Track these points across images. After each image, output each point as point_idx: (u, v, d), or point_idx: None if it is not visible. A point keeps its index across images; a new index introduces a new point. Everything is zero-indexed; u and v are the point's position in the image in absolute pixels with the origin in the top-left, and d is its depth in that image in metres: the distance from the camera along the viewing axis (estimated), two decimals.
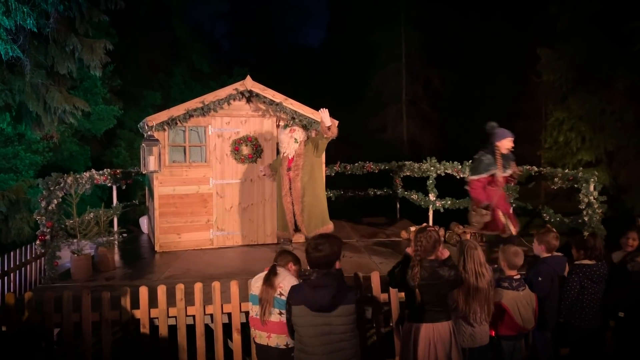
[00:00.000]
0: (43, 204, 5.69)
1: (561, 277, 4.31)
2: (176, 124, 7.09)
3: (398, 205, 10.32)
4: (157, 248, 7.20)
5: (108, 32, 12.71)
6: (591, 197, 6.24)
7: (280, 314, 3.29)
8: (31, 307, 4.23)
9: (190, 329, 4.44)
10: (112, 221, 7.83)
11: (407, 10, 20.97)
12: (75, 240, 6.01)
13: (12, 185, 9.33)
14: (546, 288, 4.12)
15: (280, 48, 32.35)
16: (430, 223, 8.07)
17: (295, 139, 6.50)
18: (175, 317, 4.41)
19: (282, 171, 6.59)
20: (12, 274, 6.37)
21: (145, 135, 6.98)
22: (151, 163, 6.76)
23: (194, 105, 7.08)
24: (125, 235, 7.40)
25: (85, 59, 8.11)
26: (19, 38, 7.43)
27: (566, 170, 6.72)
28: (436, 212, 8.18)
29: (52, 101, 8.12)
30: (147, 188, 8.80)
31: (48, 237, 5.71)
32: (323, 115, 6.29)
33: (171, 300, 4.41)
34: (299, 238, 7.17)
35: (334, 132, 6.40)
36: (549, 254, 4.35)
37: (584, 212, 6.28)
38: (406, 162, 9.56)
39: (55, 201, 5.74)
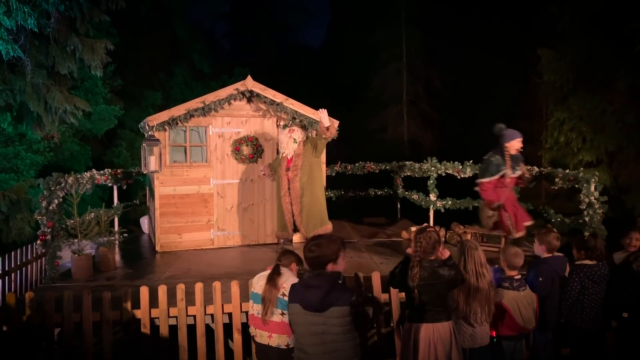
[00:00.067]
0: (44, 203, 5.69)
1: (562, 278, 4.31)
2: (177, 124, 7.09)
3: (399, 206, 10.32)
4: (157, 248, 7.20)
5: (109, 32, 12.73)
6: (592, 198, 6.24)
7: (282, 314, 3.29)
8: (32, 307, 4.23)
9: (191, 329, 4.44)
10: (112, 221, 7.83)
11: (407, 10, 20.99)
12: (76, 240, 6.01)
13: (13, 185, 9.34)
14: (547, 288, 4.11)
15: (280, 48, 32.40)
16: (431, 223, 8.07)
17: (294, 139, 6.51)
18: (176, 317, 4.41)
19: (281, 171, 6.59)
20: (12, 274, 6.37)
21: (146, 135, 6.98)
22: (152, 163, 6.76)
23: (195, 105, 7.08)
24: (126, 235, 7.40)
25: (86, 59, 8.11)
26: (20, 38, 7.44)
27: (567, 171, 6.71)
28: (437, 212, 8.17)
29: (53, 101, 8.12)
30: (147, 188, 8.80)
31: (49, 237, 5.71)
32: (322, 116, 6.29)
33: (172, 300, 4.41)
34: (300, 238, 7.18)
35: (332, 133, 6.40)
36: (550, 254, 4.35)
37: (585, 213, 6.28)
38: (407, 162, 9.55)
39: (56, 201, 5.74)
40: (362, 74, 22.76)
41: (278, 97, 7.38)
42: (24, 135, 10.21)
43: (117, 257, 6.89)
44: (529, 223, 5.93)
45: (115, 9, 8.14)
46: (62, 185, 5.85)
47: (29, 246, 6.82)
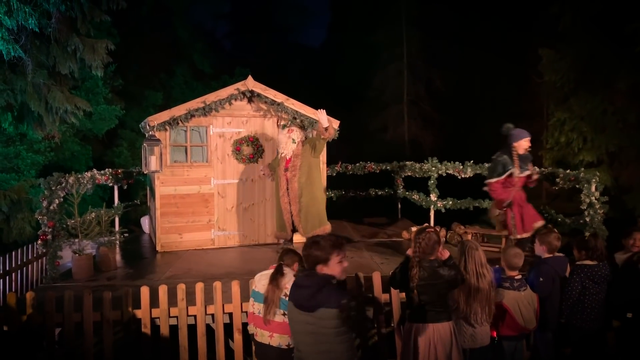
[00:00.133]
0: (44, 203, 5.70)
1: (562, 278, 4.31)
2: (177, 124, 7.10)
3: (399, 206, 10.32)
4: (158, 248, 7.21)
5: (110, 32, 12.73)
6: (593, 198, 6.23)
7: (284, 314, 3.28)
8: (33, 307, 4.23)
9: (192, 328, 4.44)
10: (113, 221, 7.83)
11: (408, 11, 20.98)
12: (76, 240, 6.01)
13: (13, 185, 9.34)
14: (547, 289, 4.11)
15: (281, 48, 32.40)
16: (432, 223, 8.07)
17: (293, 140, 6.52)
18: (177, 317, 4.41)
19: (280, 171, 6.60)
20: (13, 274, 6.39)
21: (146, 135, 6.98)
22: (153, 163, 6.77)
23: (196, 105, 7.09)
24: (126, 235, 7.40)
25: (87, 59, 8.12)
26: (21, 38, 7.44)
27: (567, 171, 6.71)
28: (437, 212, 8.17)
29: (54, 101, 8.13)
30: (148, 188, 8.81)
31: (49, 236, 5.71)
32: (320, 116, 6.30)
33: (172, 300, 4.41)
34: (300, 238, 7.18)
35: (331, 133, 6.40)
36: (551, 255, 4.35)
37: (586, 213, 6.27)
38: (407, 163, 9.55)
39: (56, 201, 5.75)
40: (362, 74, 22.76)
41: (279, 97, 7.38)
42: (25, 135, 10.22)
43: (118, 257, 6.90)
44: (539, 224, 5.87)
45: (116, 9, 8.14)
46: (63, 185, 5.85)
47: (30, 246, 6.83)
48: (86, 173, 6.81)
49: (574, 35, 12.04)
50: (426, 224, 6.71)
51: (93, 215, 6.82)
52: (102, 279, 5.85)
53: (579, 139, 11.76)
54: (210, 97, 7.17)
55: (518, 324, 3.82)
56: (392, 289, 4.48)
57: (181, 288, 4.42)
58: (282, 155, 6.60)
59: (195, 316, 4.44)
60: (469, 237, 7.19)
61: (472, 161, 7.96)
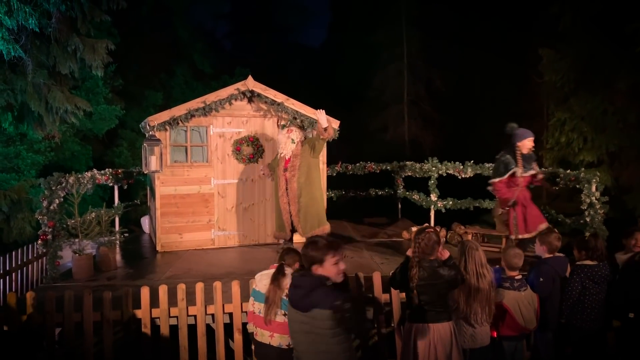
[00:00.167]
0: (45, 203, 5.70)
1: (563, 278, 4.31)
2: (178, 123, 7.10)
3: (399, 206, 10.32)
4: (158, 248, 7.21)
5: (110, 32, 12.73)
6: (593, 198, 6.23)
7: (285, 314, 3.27)
8: (33, 306, 4.23)
9: (192, 328, 4.44)
10: (113, 221, 7.83)
11: (408, 11, 20.99)
12: (76, 240, 6.01)
13: (14, 185, 9.34)
14: (548, 289, 4.11)
15: (281, 48, 32.42)
16: (432, 223, 8.07)
17: (292, 140, 6.52)
18: (177, 317, 4.41)
19: (279, 171, 6.60)
20: (13, 274, 6.39)
21: (146, 135, 6.98)
22: (153, 163, 6.77)
23: (196, 105, 7.09)
24: (126, 235, 7.40)
25: (87, 59, 8.12)
26: (21, 38, 7.44)
27: (568, 171, 6.71)
28: (438, 212, 8.17)
29: (54, 101, 8.13)
30: (148, 188, 8.81)
31: (50, 236, 5.71)
32: (319, 117, 6.29)
33: (172, 300, 4.41)
34: (300, 238, 7.18)
35: (330, 133, 6.40)
36: (551, 255, 4.35)
37: (586, 213, 6.27)
38: (407, 163, 9.55)
39: (57, 201, 5.75)
40: (362, 74, 22.76)
41: (279, 97, 7.38)
42: (25, 135, 10.22)
43: (118, 256, 6.90)
44: (543, 226, 5.83)
45: (116, 9, 8.14)
46: (63, 185, 5.85)
47: (30, 246, 6.83)
48: (86, 173, 6.81)
49: (574, 35, 12.04)
50: (426, 224, 6.72)
51: (93, 215, 6.83)
52: (102, 278, 5.85)
53: (579, 139, 11.76)
54: (211, 97, 7.17)
55: (518, 324, 3.82)
56: (392, 289, 4.47)
57: (181, 288, 4.42)
58: (282, 155, 6.61)
59: (195, 316, 4.44)
60: (469, 237, 7.19)
61: (472, 161, 7.96)
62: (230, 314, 4.47)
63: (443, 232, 7.54)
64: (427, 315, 3.42)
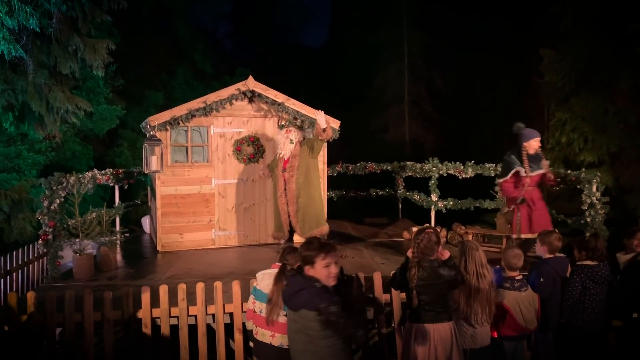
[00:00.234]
0: (45, 203, 5.70)
1: (563, 279, 4.31)
2: (178, 124, 7.10)
3: (400, 206, 10.32)
4: (159, 248, 7.21)
5: (110, 32, 12.73)
6: (594, 198, 6.23)
7: (287, 315, 3.27)
8: (34, 306, 4.24)
9: (192, 328, 4.44)
10: (114, 221, 7.84)
11: (409, 11, 20.98)
12: (77, 240, 6.02)
13: (14, 185, 9.34)
14: (548, 289, 4.11)
15: (282, 48, 32.42)
16: (432, 224, 8.07)
17: (291, 140, 6.52)
18: (177, 317, 4.41)
19: (278, 172, 6.61)
20: (14, 274, 6.40)
21: (147, 135, 6.99)
22: (153, 163, 6.77)
23: (196, 105, 7.09)
24: (127, 235, 7.41)
25: (87, 59, 8.12)
26: (22, 38, 7.44)
27: (568, 171, 6.71)
28: (438, 212, 8.17)
29: (55, 101, 8.13)
30: (149, 188, 8.81)
31: (50, 236, 5.71)
32: (318, 118, 6.29)
33: (173, 300, 4.41)
34: (300, 238, 7.18)
35: (329, 134, 6.40)
36: (552, 255, 4.35)
37: (587, 213, 6.27)
38: (408, 163, 9.54)
39: (57, 201, 5.75)
40: (363, 74, 22.75)
41: (279, 97, 7.38)
42: (26, 135, 10.22)
43: (119, 256, 6.90)
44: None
45: (117, 9, 8.14)
46: (64, 185, 5.86)
47: (31, 246, 6.84)
48: (87, 173, 6.82)
49: (575, 36, 12.04)
50: (427, 224, 6.72)
51: (94, 215, 6.82)
52: (102, 278, 5.86)
53: (580, 139, 11.75)
54: (211, 97, 7.18)
55: (519, 325, 3.82)
56: (392, 289, 4.47)
57: (182, 288, 4.42)
58: (280, 156, 6.61)
59: (195, 316, 4.44)
60: (470, 237, 7.18)
61: (472, 161, 7.96)
62: (231, 314, 4.47)
63: (443, 233, 7.54)
64: (427, 316, 3.42)
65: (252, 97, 7.41)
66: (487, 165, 7.91)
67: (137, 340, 4.31)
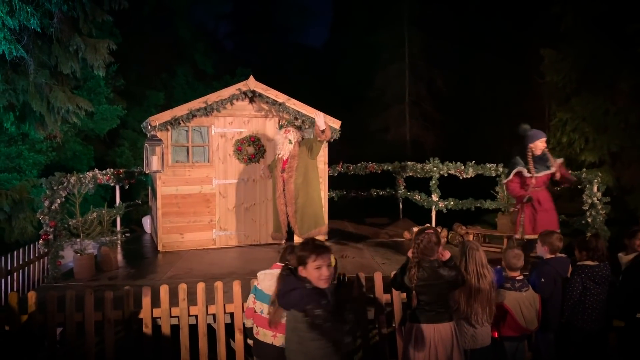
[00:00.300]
0: (46, 203, 5.71)
1: (564, 279, 4.31)
2: (179, 124, 7.10)
3: (401, 206, 10.32)
4: (159, 248, 7.21)
5: (111, 32, 12.72)
6: (594, 198, 6.23)
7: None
8: (34, 306, 4.24)
9: (193, 328, 4.44)
10: (115, 221, 7.84)
11: (410, 11, 20.98)
12: (78, 240, 6.02)
13: (15, 185, 9.34)
14: (549, 289, 4.11)
15: (283, 48, 32.42)
16: (433, 224, 8.06)
17: (290, 140, 6.52)
18: (178, 316, 4.42)
19: (277, 173, 6.61)
20: (15, 273, 6.40)
21: (148, 135, 6.99)
22: (154, 163, 6.77)
23: (197, 105, 7.09)
24: (128, 235, 7.42)
25: (88, 59, 8.12)
26: (23, 38, 7.45)
27: (570, 171, 6.70)
28: (439, 212, 8.16)
29: (56, 101, 8.13)
30: (150, 188, 8.82)
31: (51, 236, 5.72)
32: (317, 119, 6.29)
33: (174, 300, 4.42)
34: (299, 239, 7.18)
35: (327, 136, 6.41)
36: (553, 255, 4.35)
37: (588, 213, 6.27)
38: (409, 163, 9.54)
39: (58, 201, 5.75)
40: (364, 74, 22.74)
41: (280, 97, 7.38)
42: (27, 135, 10.21)
43: (119, 256, 6.91)
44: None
45: (118, 9, 8.14)
46: (65, 184, 5.86)
47: (32, 246, 6.84)
48: (88, 173, 6.83)
49: (575, 36, 12.02)
50: (427, 225, 6.72)
51: (95, 215, 6.83)
52: (103, 278, 5.86)
53: (580, 139, 11.74)
54: (212, 97, 7.18)
55: (519, 325, 3.82)
56: (393, 289, 4.47)
57: (182, 288, 4.42)
58: (279, 156, 6.62)
59: (196, 316, 4.44)
60: (471, 237, 7.19)
61: (473, 161, 7.96)
62: (232, 314, 4.48)
63: (444, 233, 7.54)
64: (428, 316, 3.42)
65: (252, 97, 7.41)
66: (488, 165, 7.91)
67: (138, 340, 4.31)
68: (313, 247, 2.86)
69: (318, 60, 30.46)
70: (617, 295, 4.31)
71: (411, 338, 3.46)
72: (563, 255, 4.43)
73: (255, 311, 3.51)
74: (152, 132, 6.91)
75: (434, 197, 8.09)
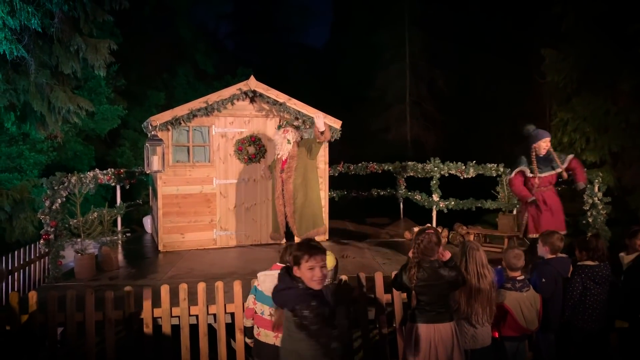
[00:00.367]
0: (47, 203, 5.71)
1: (565, 279, 4.30)
2: (180, 123, 7.10)
3: (401, 206, 10.31)
4: (160, 248, 7.21)
5: (112, 32, 12.71)
6: (595, 198, 6.23)
7: None
8: (35, 306, 4.24)
9: (194, 328, 4.44)
10: (115, 221, 7.85)
11: (411, 11, 20.97)
12: (79, 240, 6.03)
13: (16, 185, 9.35)
14: (550, 289, 4.11)
15: (283, 48, 32.40)
16: (434, 224, 8.06)
17: (288, 140, 6.50)
18: (179, 316, 4.42)
19: (276, 173, 6.61)
20: (16, 273, 6.40)
21: (149, 135, 7.00)
22: (155, 163, 6.78)
23: (198, 105, 7.10)
24: (128, 234, 7.42)
25: (89, 59, 8.12)
26: (24, 38, 7.45)
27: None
28: (440, 212, 8.17)
29: (57, 101, 8.14)
30: (150, 188, 8.82)
31: (52, 236, 5.72)
32: (317, 121, 6.28)
33: (174, 300, 4.42)
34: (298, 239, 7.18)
35: (327, 137, 6.41)
36: (554, 256, 4.34)
37: (588, 213, 6.26)
38: (410, 163, 9.54)
39: (59, 200, 5.76)
40: (364, 74, 22.73)
41: (281, 97, 7.38)
42: (28, 135, 10.22)
43: (120, 256, 6.92)
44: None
45: (119, 9, 8.15)
46: (66, 184, 5.87)
47: (32, 245, 6.84)
48: (89, 173, 6.83)
49: (576, 36, 12.01)
50: (428, 225, 6.71)
51: (95, 214, 6.83)
52: (104, 278, 5.87)
53: (581, 139, 11.72)
54: (213, 97, 7.18)
55: (519, 325, 3.82)
56: (394, 289, 4.47)
57: (183, 288, 4.42)
58: (279, 156, 6.60)
59: (197, 316, 4.44)
60: (471, 237, 7.18)
61: (474, 161, 7.96)
62: (232, 314, 4.48)
63: (445, 233, 7.54)
64: (428, 316, 3.41)
65: (253, 97, 7.42)
66: (489, 165, 7.91)
67: (139, 340, 4.31)
68: (307, 247, 2.83)
69: (319, 60, 30.45)
70: (618, 296, 4.31)
71: (412, 338, 3.45)
72: (564, 255, 4.43)
73: (256, 312, 3.51)
74: (152, 132, 6.91)
75: (435, 197, 8.09)
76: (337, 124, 7.52)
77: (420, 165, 8.82)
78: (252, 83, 7.26)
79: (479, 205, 8.00)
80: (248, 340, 3.74)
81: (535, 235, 5.81)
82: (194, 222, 7.36)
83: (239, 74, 20.04)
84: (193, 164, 7.33)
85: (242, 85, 7.29)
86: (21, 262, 6.49)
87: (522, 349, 4.07)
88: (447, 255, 3.51)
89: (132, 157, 14.46)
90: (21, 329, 4.15)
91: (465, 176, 7.97)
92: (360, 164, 10.24)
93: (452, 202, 8.02)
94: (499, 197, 8.00)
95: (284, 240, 7.01)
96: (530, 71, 15.22)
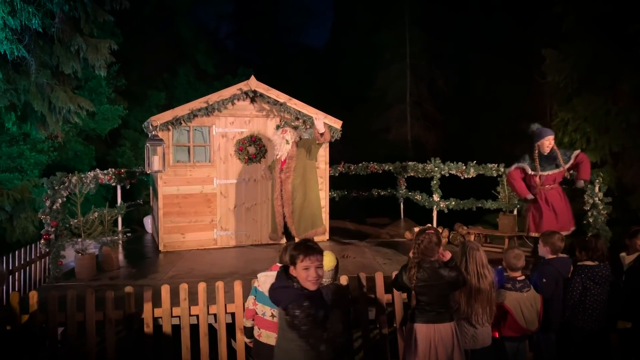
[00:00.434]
0: (48, 203, 5.71)
1: (566, 279, 4.30)
2: (180, 123, 7.11)
3: (402, 206, 10.31)
4: (161, 248, 7.22)
5: (113, 32, 12.72)
6: (596, 199, 6.22)
7: None
8: (36, 306, 4.24)
9: (194, 328, 4.45)
10: (116, 221, 7.85)
11: (411, 11, 20.98)
12: (79, 240, 6.03)
13: (17, 185, 9.36)
14: (550, 290, 4.11)
15: (284, 48, 32.41)
16: (434, 224, 8.06)
17: (287, 140, 6.49)
18: (179, 316, 4.42)
19: (275, 173, 6.60)
20: (16, 273, 6.40)
21: (149, 135, 7.00)
22: (155, 163, 6.78)
23: (198, 105, 7.10)
24: (129, 234, 7.42)
25: (90, 59, 8.13)
26: (25, 38, 7.46)
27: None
28: (440, 212, 8.17)
29: (57, 101, 8.14)
30: (151, 188, 8.82)
31: (52, 236, 5.73)
32: (317, 123, 6.26)
33: (175, 300, 4.42)
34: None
35: (326, 138, 6.40)
36: (554, 256, 4.34)
37: (589, 214, 6.26)
38: (410, 163, 9.54)
39: (59, 200, 5.76)
40: (365, 74, 22.73)
41: (281, 97, 7.38)
42: (28, 135, 10.23)
43: (121, 256, 6.92)
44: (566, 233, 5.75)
45: (119, 9, 8.15)
46: (66, 184, 5.87)
47: (33, 245, 6.84)
48: (89, 173, 6.84)
49: (577, 36, 12.00)
50: (428, 225, 6.71)
51: (96, 214, 6.83)
52: (104, 278, 5.87)
53: (582, 139, 11.72)
54: (213, 97, 7.18)
55: (519, 325, 3.82)
56: (394, 289, 4.47)
57: (184, 288, 4.43)
58: (277, 157, 6.59)
59: (197, 316, 4.45)
60: (472, 237, 7.18)
61: (475, 162, 7.95)
62: (233, 314, 4.48)
63: (445, 233, 7.54)
64: (428, 316, 3.41)
65: (254, 97, 7.42)
66: (489, 165, 7.90)
67: (139, 339, 4.31)
68: (304, 247, 2.83)
69: (319, 60, 30.45)
70: (619, 296, 4.30)
71: (412, 338, 3.45)
72: (565, 255, 4.42)
73: (256, 313, 3.50)
74: (153, 132, 6.91)
75: (435, 197, 8.08)
76: (337, 124, 7.52)
77: (420, 165, 8.81)
78: (253, 83, 7.26)
79: (480, 205, 8.00)
80: (247, 340, 3.74)
81: (535, 235, 5.80)
82: (194, 222, 7.37)
83: (239, 74, 20.05)
84: (193, 164, 7.33)
85: (243, 85, 7.29)
86: (22, 262, 6.49)
87: (522, 349, 4.07)
88: (448, 255, 3.51)
89: (133, 157, 14.46)
90: (22, 328, 4.15)
91: (465, 176, 7.97)
92: (360, 164, 10.24)
93: (453, 202, 8.02)
94: (499, 197, 7.99)
95: (284, 241, 7.01)
96: (530, 71, 15.21)
